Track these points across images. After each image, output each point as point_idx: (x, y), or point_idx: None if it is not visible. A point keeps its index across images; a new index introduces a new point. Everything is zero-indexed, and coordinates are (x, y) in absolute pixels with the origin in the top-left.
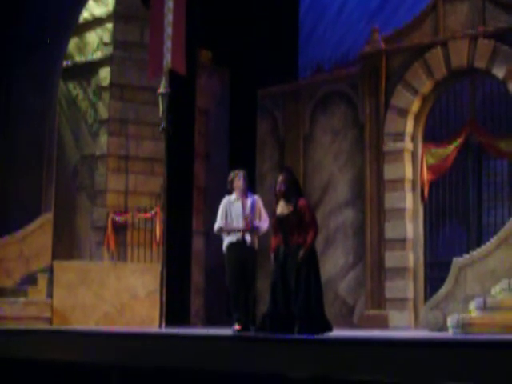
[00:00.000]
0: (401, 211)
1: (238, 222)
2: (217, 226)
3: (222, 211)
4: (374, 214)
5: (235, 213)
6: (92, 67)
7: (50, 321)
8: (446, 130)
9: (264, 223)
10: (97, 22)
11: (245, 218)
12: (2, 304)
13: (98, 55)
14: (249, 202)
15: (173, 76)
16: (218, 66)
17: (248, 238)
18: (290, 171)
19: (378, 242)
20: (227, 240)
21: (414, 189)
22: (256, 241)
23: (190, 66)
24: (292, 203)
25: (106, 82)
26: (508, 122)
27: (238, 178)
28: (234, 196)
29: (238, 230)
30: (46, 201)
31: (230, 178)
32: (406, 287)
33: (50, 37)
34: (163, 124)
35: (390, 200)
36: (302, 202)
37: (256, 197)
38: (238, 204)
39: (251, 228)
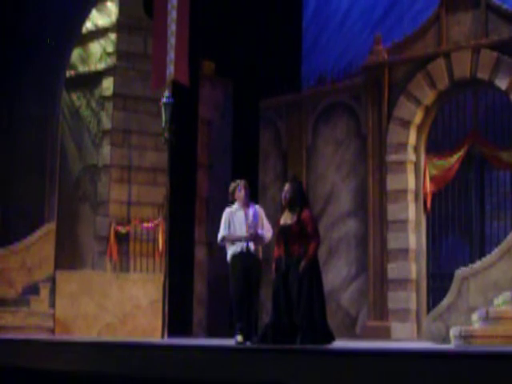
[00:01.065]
0: (403, 222)
1: (242, 231)
2: (220, 235)
3: (225, 221)
4: (377, 224)
5: (238, 222)
6: (95, 77)
7: (52, 331)
8: (448, 141)
9: (267, 232)
10: (100, 32)
11: (248, 227)
12: (4, 314)
13: (101, 66)
14: (251, 211)
15: (176, 86)
16: (220, 77)
17: (252, 247)
18: (297, 181)
19: (381, 253)
20: (231, 250)
21: (416, 200)
22: (261, 251)
23: (193, 77)
24: (296, 213)
25: (109, 93)
26: (510, 133)
27: (239, 190)
28: (235, 206)
29: (242, 239)
30: (49, 211)
31: (230, 189)
32: (408, 298)
33: (53, 47)
34: (166, 134)
35: (393, 211)
36: (305, 212)
37: (257, 206)
38: (241, 213)
39: (255, 236)
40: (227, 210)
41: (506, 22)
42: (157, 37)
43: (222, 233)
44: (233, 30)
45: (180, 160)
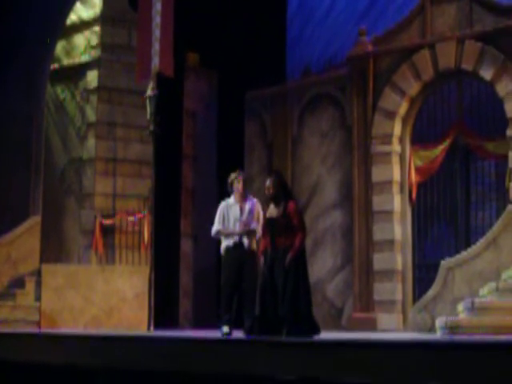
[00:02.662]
0: (389, 213)
1: (235, 226)
2: (214, 229)
3: (220, 215)
4: (362, 216)
5: (233, 216)
6: (80, 70)
7: (38, 324)
8: (433, 132)
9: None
10: (84, 24)
11: (242, 222)
12: None
13: (85, 58)
14: (247, 205)
15: (160, 78)
16: (205, 69)
17: (246, 240)
18: (278, 174)
19: (367, 244)
20: (225, 243)
21: (401, 191)
22: (255, 244)
23: (177, 69)
24: (281, 206)
25: (93, 85)
26: (495, 123)
27: (238, 181)
28: (232, 199)
29: (235, 234)
30: (34, 204)
31: (229, 180)
32: (394, 289)
33: (36, 39)
34: (151, 127)
35: (378, 202)
36: (290, 205)
37: (255, 200)
38: (236, 208)
39: (248, 231)
40: (223, 204)
41: (490, 12)
42: (141, 29)
43: (216, 226)
44: (217, 21)
45: (165, 152)
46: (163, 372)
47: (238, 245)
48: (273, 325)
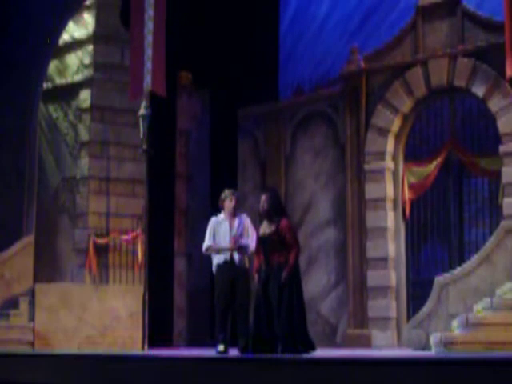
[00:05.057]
0: (382, 230)
1: (226, 241)
2: (205, 245)
3: (210, 231)
4: (356, 233)
5: (223, 232)
6: (72, 89)
7: (32, 344)
8: (426, 149)
9: (252, 242)
10: (77, 44)
11: (232, 238)
12: None
13: (78, 77)
14: (236, 221)
15: (153, 97)
16: (198, 88)
17: (237, 257)
18: (273, 191)
19: (360, 261)
20: (216, 260)
21: (395, 208)
22: (246, 261)
23: (170, 88)
24: (274, 223)
25: (86, 104)
26: (488, 140)
27: (230, 200)
28: (221, 216)
29: (226, 249)
30: (27, 223)
31: (222, 197)
32: (388, 306)
33: (29, 59)
34: (144, 146)
35: (372, 219)
36: (283, 222)
37: (244, 215)
38: (226, 224)
39: (239, 247)
40: (213, 220)
41: (482, 29)
42: (134, 48)
43: (206, 242)
44: (209, 40)
45: (158, 171)
46: None
47: (229, 262)
48: (268, 342)
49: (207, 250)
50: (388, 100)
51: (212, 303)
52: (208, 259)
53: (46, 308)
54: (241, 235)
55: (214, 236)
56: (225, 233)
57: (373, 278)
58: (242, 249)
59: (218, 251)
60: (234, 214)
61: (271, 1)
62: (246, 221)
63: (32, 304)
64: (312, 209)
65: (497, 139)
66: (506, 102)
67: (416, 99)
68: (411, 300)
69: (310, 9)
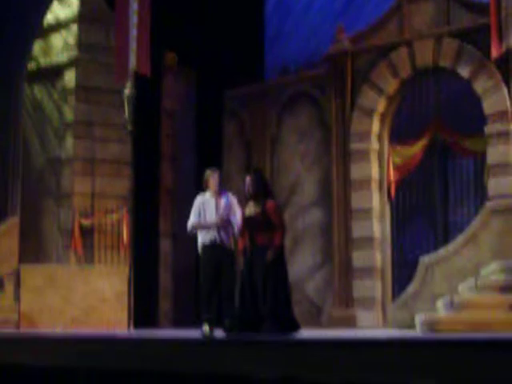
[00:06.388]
0: (368, 211)
1: (212, 220)
2: (190, 223)
3: (195, 209)
4: (341, 213)
5: (209, 210)
6: (57, 70)
7: (17, 325)
8: (411, 130)
9: (238, 221)
10: (61, 24)
11: (219, 217)
12: None
13: (63, 58)
14: (223, 200)
15: (138, 78)
16: (183, 68)
17: (223, 237)
18: (257, 172)
19: (346, 242)
20: (201, 240)
21: (380, 188)
22: (232, 241)
23: (155, 68)
24: (260, 204)
25: (71, 85)
26: (473, 120)
27: (213, 178)
28: (207, 194)
29: (212, 226)
30: (12, 204)
31: (205, 177)
32: (373, 286)
33: (13, 39)
34: (129, 126)
35: (357, 200)
36: (269, 203)
37: (230, 195)
38: (212, 202)
39: (225, 222)
40: (198, 198)
41: (467, 10)
42: (118, 28)
43: (191, 220)
44: (195, 20)
45: (144, 152)
46: (143, 372)
47: (215, 241)
48: (253, 323)
49: (192, 227)
50: (373, 80)
51: (197, 284)
52: (194, 240)
53: (31, 289)
54: (227, 213)
55: (199, 214)
56: (211, 211)
57: (358, 258)
58: (228, 226)
59: (204, 228)
60: (219, 192)
61: None
62: (232, 199)
63: (17, 285)
64: (298, 189)
65: (482, 120)
66: (491, 82)
67: (401, 80)
68: (396, 280)
69: None
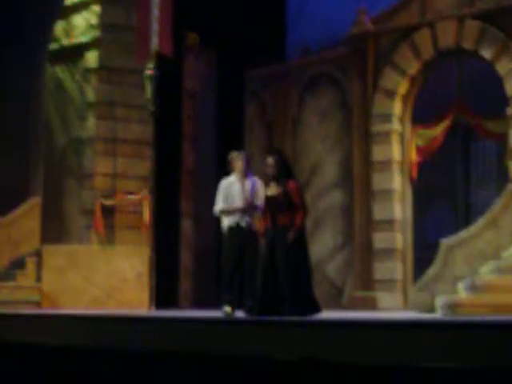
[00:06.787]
0: (389, 192)
1: (238, 204)
2: (217, 207)
3: (222, 193)
4: (362, 195)
5: (235, 194)
6: (79, 50)
7: (39, 305)
8: (433, 111)
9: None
10: (84, 4)
11: (245, 199)
12: None
13: (85, 38)
14: (248, 183)
15: (160, 58)
16: (205, 48)
17: (248, 219)
18: (280, 152)
19: (367, 224)
20: (227, 222)
21: (402, 170)
22: (257, 223)
23: (177, 49)
24: (282, 185)
25: (93, 65)
26: (495, 103)
27: (238, 159)
28: (232, 177)
29: (238, 210)
30: (34, 185)
31: (229, 159)
32: (394, 268)
33: (35, 20)
34: (151, 107)
35: (378, 181)
36: (291, 184)
37: (256, 178)
38: (238, 185)
39: (251, 207)
40: (223, 182)
41: None
42: (141, 9)
43: (218, 205)
44: (216, 0)
45: (165, 132)
46: (164, 352)
47: (239, 224)
48: (273, 304)
49: (220, 212)
50: (395, 62)
51: (218, 264)
52: (214, 221)
53: (53, 269)
54: (252, 197)
55: (226, 198)
56: (237, 194)
57: (379, 240)
58: (253, 210)
59: (231, 212)
60: (245, 174)
61: None
62: (258, 183)
63: (39, 265)
64: (319, 171)
65: (504, 102)
66: None
67: (423, 61)
68: (417, 263)
69: None
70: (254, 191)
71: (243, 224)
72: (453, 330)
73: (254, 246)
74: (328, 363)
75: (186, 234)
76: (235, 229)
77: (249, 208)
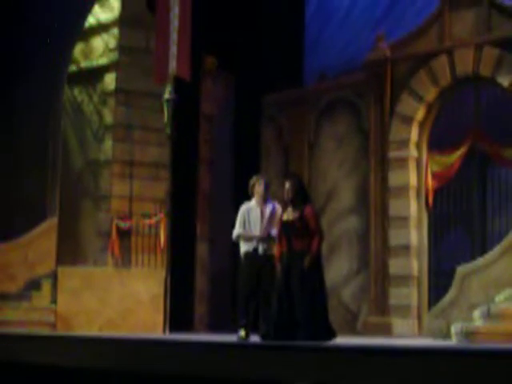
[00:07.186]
0: (405, 219)
1: (256, 230)
2: (235, 233)
3: (241, 218)
4: (379, 221)
5: (253, 220)
6: (97, 73)
7: (53, 326)
8: (450, 138)
9: None
10: (102, 27)
11: (263, 227)
12: (5, 308)
13: (103, 61)
14: (268, 209)
15: (178, 82)
16: (222, 72)
17: (265, 246)
18: (297, 177)
19: (383, 249)
20: (244, 248)
21: (418, 196)
22: (274, 249)
23: (194, 72)
24: (298, 209)
25: (111, 88)
26: None
27: (259, 184)
28: (253, 202)
29: (256, 238)
30: (51, 206)
31: (251, 183)
32: (410, 295)
33: (55, 41)
34: (168, 130)
35: (395, 207)
36: (308, 209)
37: (276, 204)
38: (257, 211)
39: (268, 236)
40: (243, 207)
41: (508, 18)
42: (159, 32)
43: (237, 230)
44: (235, 25)
45: (182, 155)
46: (178, 376)
47: (257, 250)
48: (289, 329)
49: (237, 237)
50: (413, 88)
51: (234, 288)
52: (230, 244)
53: (68, 290)
54: (271, 223)
55: (244, 223)
56: (256, 220)
57: (395, 266)
58: (270, 238)
59: (248, 239)
60: (265, 199)
61: None
62: (278, 210)
63: (54, 286)
64: (335, 196)
65: None
66: None
67: (441, 88)
68: (433, 289)
69: None
70: (272, 217)
71: (260, 250)
72: (468, 357)
73: (270, 271)
74: None
75: (202, 258)
76: (252, 254)
77: (266, 237)
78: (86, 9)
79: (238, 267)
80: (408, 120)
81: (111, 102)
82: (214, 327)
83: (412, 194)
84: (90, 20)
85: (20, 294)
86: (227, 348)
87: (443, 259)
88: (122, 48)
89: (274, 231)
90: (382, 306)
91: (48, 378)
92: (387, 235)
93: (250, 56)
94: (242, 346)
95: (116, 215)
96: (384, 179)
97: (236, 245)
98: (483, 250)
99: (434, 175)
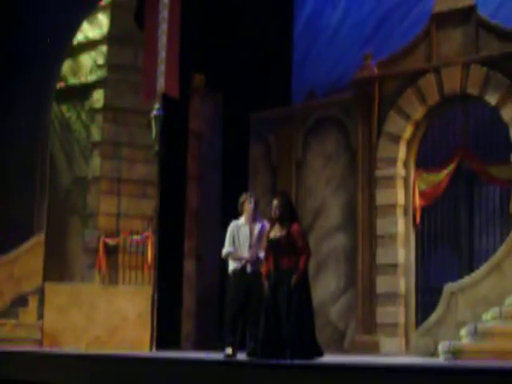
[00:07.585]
0: (393, 236)
1: (245, 248)
2: (225, 251)
3: (230, 236)
4: (366, 239)
5: (242, 238)
6: (86, 90)
7: (40, 343)
8: (438, 156)
9: None
10: (91, 44)
11: (252, 249)
12: None
13: (91, 78)
14: (257, 227)
15: (166, 99)
16: (211, 90)
17: (254, 265)
18: (285, 195)
19: (370, 267)
20: (233, 265)
21: (405, 214)
22: (261, 268)
23: (183, 90)
24: (285, 227)
25: (99, 105)
26: (500, 148)
27: (249, 202)
28: (242, 220)
29: (244, 259)
30: (38, 222)
31: (240, 200)
32: (397, 313)
33: (43, 58)
34: (156, 147)
35: (382, 225)
36: (295, 226)
37: (265, 222)
38: (246, 229)
39: (257, 258)
40: (232, 225)
41: (495, 37)
42: (147, 49)
43: (226, 248)
44: (223, 43)
45: (170, 172)
46: None
47: (247, 269)
48: (276, 347)
49: (226, 256)
50: (400, 107)
51: (221, 306)
52: (218, 262)
53: (55, 307)
54: (260, 242)
55: (233, 241)
56: (245, 238)
57: (382, 284)
58: (259, 260)
59: (237, 260)
60: (254, 217)
61: (285, 5)
62: (266, 227)
63: (41, 302)
64: (322, 214)
65: (509, 148)
66: None
67: (428, 106)
68: (420, 307)
69: (324, 14)
70: (261, 236)
71: (249, 268)
72: (455, 375)
73: (258, 289)
74: None
75: (189, 275)
76: (240, 272)
77: (254, 259)
78: (75, 26)
79: (225, 284)
80: (396, 138)
81: (99, 118)
82: (200, 344)
83: (399, 212)
84: (79, 37)
85: (6, 311)
86: (214, 366)
87: (430, 277)
88: (110, 65)
89: (261, 254)
90: (370, 325)
91: None
92: (375, 253)
93: (238, 74)
94: (229, 364)
95: (103, 232)
96: (372, 197)
97: (224, 262)
98: (470, 268)
99: (422, 193)
